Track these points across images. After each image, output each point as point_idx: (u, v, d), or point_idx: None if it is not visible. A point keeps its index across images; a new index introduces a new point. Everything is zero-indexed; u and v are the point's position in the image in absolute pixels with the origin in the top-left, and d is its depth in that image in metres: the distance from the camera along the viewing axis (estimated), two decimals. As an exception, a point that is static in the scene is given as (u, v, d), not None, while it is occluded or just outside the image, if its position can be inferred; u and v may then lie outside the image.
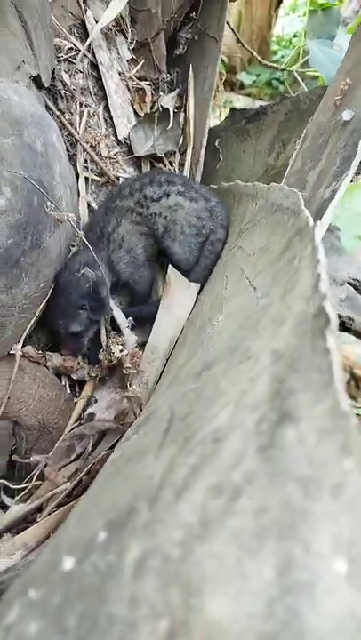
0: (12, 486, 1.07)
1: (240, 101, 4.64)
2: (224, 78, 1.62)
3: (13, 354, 1.03)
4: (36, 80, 1.11)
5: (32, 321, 1.06)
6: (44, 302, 1.09)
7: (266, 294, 0.69)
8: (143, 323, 1.27)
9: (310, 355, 0.42)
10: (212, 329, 0.86)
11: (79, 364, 1.20)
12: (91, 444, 1.11)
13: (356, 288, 1.60)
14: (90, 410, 1.12)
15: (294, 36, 5.04)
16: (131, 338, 1.22)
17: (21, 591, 0.35)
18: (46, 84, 1.16)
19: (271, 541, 0.32)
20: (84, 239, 1.04)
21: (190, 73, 1.54)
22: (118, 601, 0.31)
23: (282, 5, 4.77)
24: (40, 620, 0.32)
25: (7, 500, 1.13)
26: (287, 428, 0.38)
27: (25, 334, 1.04)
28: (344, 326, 1.58)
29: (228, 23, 1.83)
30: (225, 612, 0.29)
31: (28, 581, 0.36)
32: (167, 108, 1.46)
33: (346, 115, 0.89)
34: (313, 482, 0.33)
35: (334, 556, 0.31)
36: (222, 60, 3.78)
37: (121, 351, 1.16)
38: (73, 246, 1.23)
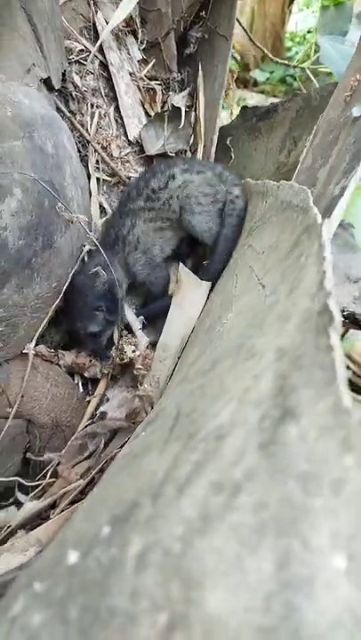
0: (26, 483, 1.09)
1: (253, 99, 4.62)
2: (235, 76, 1.61)
3: (26, 353, 1.05)
4: (47, 82, 1.13)
5: (45, 320, 1.07)
6: (57, 302, 1.10)
7: (273, 292, 0.69)
8: (155, 320, 1.28)
9: (313, 352, 0.42)
10: (222, 327, 0.86)
11: (90, 361, 1.21)
12: (103, 442, 1.12)
13: (370, 285, 1.59)
14: (102, 408, 1.13)
15: (308, 32, 4.99)
16: (143, 339, 1.23)
17: (26, 584, 0.36)
18: (57, 86, 1.17)
19: (270, 537, 0.32)
20: (95, 241, 1.05)
21: (200, 72, 1.54)
22: (120, 594, 0.32)
23: (295, 1, 4.73)
24: (44, 612, 0.32)
25: (21, 497, 1.15)
26: (289, 425, 0.38)
27: (38, 333, 1.05)
28: (358, 323, 1.57)
29: (238, 21, 1.82)
30: (224, 606, 0.30)
31: (33, 575, 0.37)
32: (178, 107, 1.46)
33: (356, 111, 0.89)
34: (313, 478, 0.34)
35: (334, 552, 0.31)
36: (235, 58, 3.77)
37: (133, 351, 1.17)
38: (84, 246, 1.24)
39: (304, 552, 0.31)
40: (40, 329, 1.06)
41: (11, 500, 1.15)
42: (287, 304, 0.57)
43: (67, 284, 1.12)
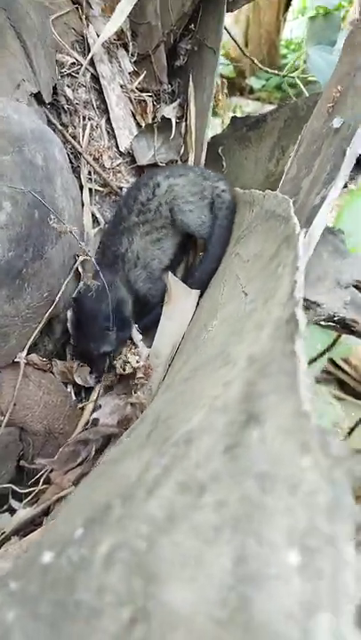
0: (19, 490, 1.10)
1: (250, 106, 4.66)
2: (225, 85, 1.64)
3: (18, 362, 1.07)
4: (37, 97, 1.15)
5: (37, 330, 1.09)
6: (50, 311, 1.12)
7: (253, 300, 0.71)
8: (149, 330, 1.31)
9: (280, 359, 0.44)
10: (207, 335, 0.88)
11: (79, 364, 1.23)
12: (95, 449, 1.14)
13: (360, 290, 1.61)
14: (94, 415, 1.15)
15: (303, 40, 5.02)
16: (145, 349, 1.25)
17: (3, 583, 0.38)
18: (47, 100, 1.20)
19: (229, 534, 0.34)
20: (85, 249, 1.08)
21: (191, 83, 1.57)
22: (87, 590, 0.34)
23: (290, 9, 4.79)
24: (17, 608, 0.34)
25: (15, 504, 1.16)
26: (253, 429, 0.40)
27: (29, 343, 1.07)
28: (349, 328, 1.59)
29: (228, 32, 1.85)
30: (181, 599, 0.31)
31: (10, 574, 0.39)
32: (169, 119, 1.49)
33: (336, 122, 0.91)
34: (271, 478, 0.35)
35: (288, 548, 0.33)
36: (233, 65, 3.81)
37: (137, 362, 1.20)
38: (78, 256, 1.27)
39: (259, 548, 0.33)
40: (32, 338, 1.08)
41: (4, 508, 1.17)
42: (263, 313, 0.59)
43: (59, 294, 1.14)
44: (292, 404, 0.39)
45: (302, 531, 0.33)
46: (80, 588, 0.34)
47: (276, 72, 2.01)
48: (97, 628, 0.31)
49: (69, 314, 1.24)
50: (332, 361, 3.11)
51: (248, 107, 4.76)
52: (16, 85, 1.00)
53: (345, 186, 1.06)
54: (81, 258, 1.26)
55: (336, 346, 2.22)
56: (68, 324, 1.24)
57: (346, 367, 3.13)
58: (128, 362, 1.18)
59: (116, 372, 1.19)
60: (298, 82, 1.85)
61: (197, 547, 0.34)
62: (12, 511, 1.16)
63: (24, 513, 1.11)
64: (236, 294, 0.90)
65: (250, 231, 1.09)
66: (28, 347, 1.08)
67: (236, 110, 4.48)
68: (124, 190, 1.44)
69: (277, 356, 0.45)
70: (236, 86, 5.03)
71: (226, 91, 1.71)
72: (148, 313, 1.36)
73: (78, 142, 1.43)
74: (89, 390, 1.30)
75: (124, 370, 1.17)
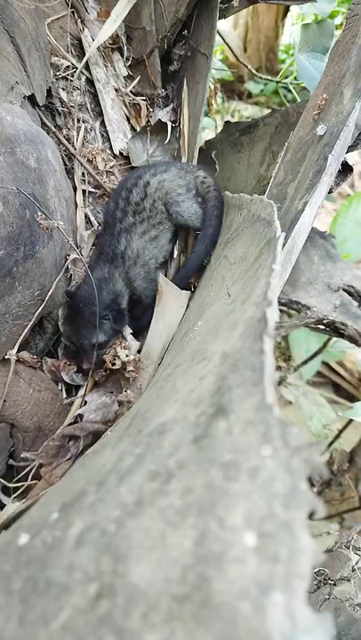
0: (8, 485, 1.12)
1: (248, 110, 4.70)
2: (219, 90, 1.66)
3: (9, 359, 1.09)
4: (31, 99, 1.18)
5: (27, 328, 1.11)
6: (40, 310, 1.14)
7: (233, 300, 0.74)
8: (141, 332, 1.33)
9: (249, 355, 0.46)
10: (193, 334, 0.90)
11: (67, 363, 1.25)
12: (83, 445, 1.16)
13: (350, 294, 1.64)
14: (79, 411, 1.17)
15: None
16: (134, 343, 1.28)
17: (-20, 563, 0.40)
18: (41, 103, 1.22)
19: (192, 517, 0.36)
20: (74, 246, 1.09)
21: (185, 88, 1.59)
22: (57, 568, 0.36)
23: (289, 15, 4.82)
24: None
25: (5, 499, 1.18)
26: (220, 420, 0.42)
27: (20, 340, 1.09)
28: (338, 331, 1.61)
29: (223, 38, 1.88)
30: (145, 577, 0.34)
31: (-12, 555, 0.41)
32: (165, 122, 1.52)
33: (320, 129, 0.93)
34: (234, 466, 0.38)
35: (245, 531, 0.35)
36: (231, 70, 3.84)
37: (127, 356, 1.21)
38: (68, 256, 1.29)
39: (219, 530, 0.35)
40: (22, 336, 1.10)
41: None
42: (239, 312, 0.61)
43: (50, 292, 1.16)
44: (257, 398, 0.41)
45: (260, 516, 0.35)
46: (51, 566, 0.36)
47: (270, 78, 2.03)
48: (65, 603, 0.33)
49: (61, 311, 1.26)
50: (327, 364, 3.13)
51: (246, 111, 4.80)
52: (9, 88, 1.02)
53: (330, 191, 1.09)
54: (72, 256, 1.29)
55: (330, 349, 2.24)
56: (60, 320, 1.25)
57: (341, 370, 3.16)
58: (118, 356, 1.20)
59: (106, 367, 1.21)
60: (291, 88, 1.87)
61: (163, 529, 0.36)
62: (2, 506, 1.17)
63: (13, 508, 1.13)
64: (221, 295, 0.93)
65: (237, 234, 1.12)
66: (18, 344, 1.10)
67: (234, 114, 4.52)
68: (111, 193, 1.46)
69: (246, 353, 0.47)
70: (235, 91, 5.06)
71: (222, 95, 1.73)
72: (139, 312, 1.38)
73: (72, 144, 1.45)
74: (79, 388, 1.32)
75: (113, 364, 1.19)
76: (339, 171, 1.00)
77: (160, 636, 0.31)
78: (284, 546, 0.34)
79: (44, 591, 0.34)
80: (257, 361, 0.44)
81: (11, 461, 1.23)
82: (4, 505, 1.16)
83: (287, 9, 4.72)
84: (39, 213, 0.97)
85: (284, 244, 0.82)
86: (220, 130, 1.83)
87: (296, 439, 0.38)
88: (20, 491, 1.17)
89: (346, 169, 1.06)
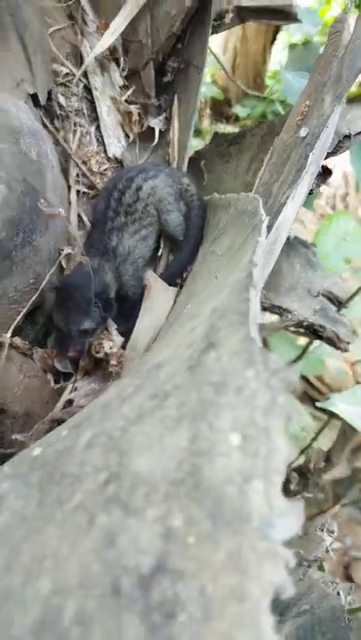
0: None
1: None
2: (208, 106, 1.76)
3: (2, 342, 1.13)
4: (34, 98, 1.25)
5: (21, 314, 1.16)
6: (34, 298, 1.19)
7: (222, 278, 0.81)
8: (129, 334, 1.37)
9: (235, 304, 0.53)
10: (182, 316, 0.96)
11: (54, 352, 1.29)
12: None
13: (329, 300, 1.72)
14: (69, 397, 1.21)
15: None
16: (118, 338, 1.32)
17: (-3, 471, 0.45)
18: (42, 102, 1.30)
19: (186, 423, 0.42)
20: (74, 232, 1.15)
21: (175, 99, 1.68)
22: (70, 465, 0.41)
23: (276, 42, 5.00)
24: (10, 481, 0.42)
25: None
26: (210, 352, 0.48)
27: (14, 325, 1.14)
28: (317, 334, 1.69)
29: (215, 55, 1.99)
30: (146, 467, 0.39)
31: (6, 464, 0.46)
32: (153, 128, 1.60)
33: (303, 131, 1.02)
34: (222, 385, 0.44)
35: (231, 432, 0.41)
36: (222, 92, 3.98)
37: (110, 348, 1.26)
38: (62, 250, 1.35)
39: (209, 432, 0.41)
40: (17, 321, 1.15)
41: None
42: (226, 282, 0.68)
43: (44, 282, 1.22)
44: (243, 333, 0.48)
45: (244, 422, 0.42)
46: (65, 464, 0.42)
47: (258, 94, 2.14)
48: (77, 488, 0.39)
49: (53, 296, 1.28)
50: (306, 380, 3.20)
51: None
52: (16, 84, 1.09)
53: (311, 192, 1.18)
54: (66, 250, 1.34)
55: (310, 356, 2.32)
56: (52, 306, 1.28)
57: (320, 385, 3.23)
58: (102, 346, 1.24)
59: (91, 355, 1.25)
60: (278, 105, 1.98)
61: (161, 432, 0.42)
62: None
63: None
64: (208, 282, 1.00)
65: (224, 230, 1.19)
66: (12, 329, 1.14)
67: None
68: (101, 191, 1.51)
69: (233, 303, 0.54)
70: (223, 114, 5.21)
71: (210, 116, 1.83)
72: (127, 311, 1.42)
73: (69, 146, 1.53)
74: (67, 379, 1.36)
75: (97, 352, 1.23)
76: (319, 173, 1.09)
77: (159, 511, 0.37)
78: (263, 445, 0.40)
79: (58, 481, 0.40)
80: (243, 307, 0.51)
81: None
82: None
83: (275, 36, 4.92)
84: (42, 200, 1.03)
85: (268, 233, 0.89)
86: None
87: (275, 364, 0.44)
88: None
89: (326, 172, 1.15)
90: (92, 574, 0.33)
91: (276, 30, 4.95)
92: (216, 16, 1.57)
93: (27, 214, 1.06)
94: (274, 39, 4.89)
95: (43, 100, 1.28)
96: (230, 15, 1.49)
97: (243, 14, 1.61)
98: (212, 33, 1.55)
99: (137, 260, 1.40)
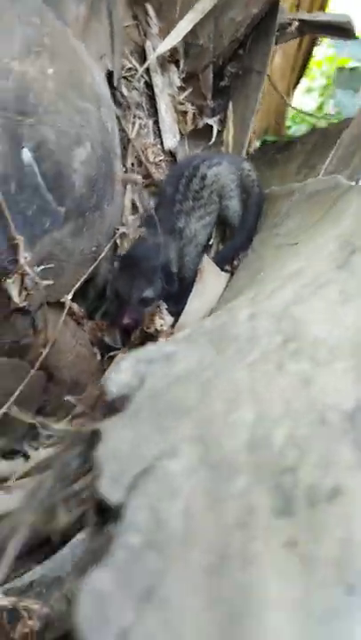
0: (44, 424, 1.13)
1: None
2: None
3: (63, 303, 1.13)
4: (109, 77, 1.29)
5: (82, 278, 1.16)
6: (93, 267, 1.20)
7: (303, 244, 0.81)
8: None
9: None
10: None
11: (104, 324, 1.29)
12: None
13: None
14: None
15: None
16: (168, 318, 1.32)
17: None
18: (115, 84, 1.34)
19: (352, 303, 0.42)
20: (142, 194, 1.17)
21: (230, 102, 1.74)
22: (239, 329, 0.41)
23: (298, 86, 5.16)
24: (176, 345, 0.41)
25: (30, 450, 1.19)
26: (357, 256, 0.49)
27: (76, 287, 1.14)
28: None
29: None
30: (324, 332, 0.39)
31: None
32: (211, 126, 1.65)
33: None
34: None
35: None
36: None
37: (161, 325, 1.26)
38: (117, 229, 1.36)
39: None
40: (79, 283, 1.15)
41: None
42: (319, 241, 0.69)
43: (102, 254, 1.23)
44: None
45: None
46: (231, 330, 0.41)
47: (304, 111, 2.21)
48: (255, 346, 0.39)
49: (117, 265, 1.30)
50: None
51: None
52: (100, 57, 1.13)
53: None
54: (122, 229, 1.36)
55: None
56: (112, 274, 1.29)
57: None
58: (154, 322, 1.24)
59: (141, 329, 1.24)
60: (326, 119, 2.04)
61: (327, 309, 0.42)
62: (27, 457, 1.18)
63: (43, 454, 1.14)
64: (281, 256, 1.00)
65: (288, 216, 1.21)
66: (73, 291, 1.14)
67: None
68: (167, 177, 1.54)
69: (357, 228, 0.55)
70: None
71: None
72: (178, 292, 1.42)
73: (128, 134, 1.56)
74: (111, 358, 1.35)
75: (148, 328, 1.23)
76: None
77: (348, 364, 0.36)
78: None
79: (231, 341, 0.40)
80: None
81: (39, 419, 1.23)
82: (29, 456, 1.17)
83: (299, 78, 5.10)
84: (120, 166, 1.05)
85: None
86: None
87: None
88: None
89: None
90: (295, 407, 0.33)
91: (300, 74, 5.14)
92: (279, 26, 1.63)
93: (102, 178, 1.08)
94: (297, 82, 5.07)
95: (116, 81, 1.33)
96: (295, 25, 1.56)
97: (304, 28, 1.68)
98: (275, 43, 1.61)
99: (198, 244, 1.42)
